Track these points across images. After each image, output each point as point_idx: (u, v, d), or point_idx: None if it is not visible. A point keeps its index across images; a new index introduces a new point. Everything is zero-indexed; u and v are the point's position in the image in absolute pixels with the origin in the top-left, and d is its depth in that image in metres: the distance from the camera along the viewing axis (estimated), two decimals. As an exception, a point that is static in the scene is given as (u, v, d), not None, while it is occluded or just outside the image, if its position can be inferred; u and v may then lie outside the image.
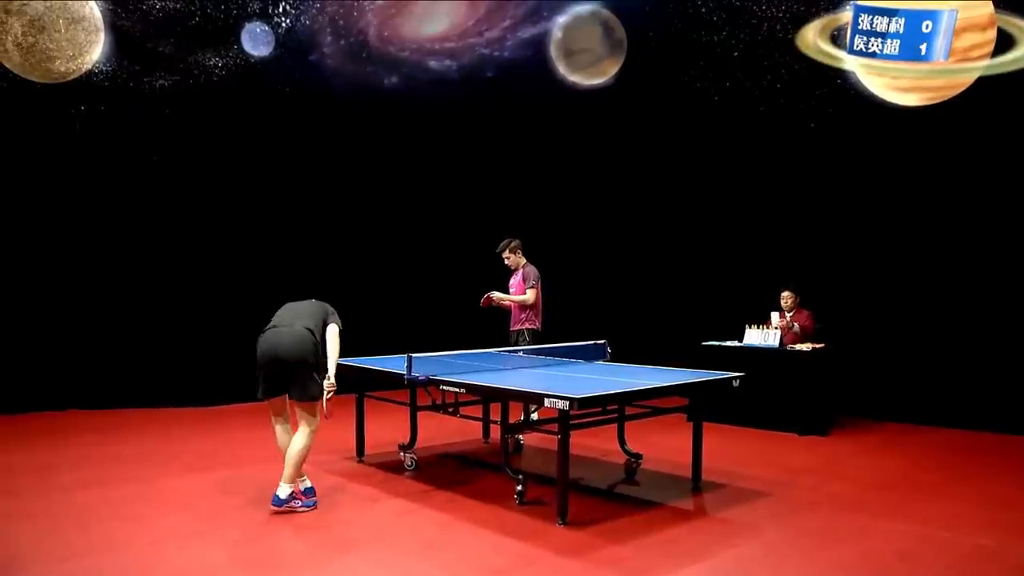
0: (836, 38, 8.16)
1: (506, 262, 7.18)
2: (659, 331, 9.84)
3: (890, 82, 7.87)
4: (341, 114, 10.26)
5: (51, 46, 8.20)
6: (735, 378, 5.43)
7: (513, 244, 7.15)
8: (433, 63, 10.68)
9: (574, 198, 10.97)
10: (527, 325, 7.05)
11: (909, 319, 8.16)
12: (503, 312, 7.26)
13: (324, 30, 10.00)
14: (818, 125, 8.47)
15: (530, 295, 6.99)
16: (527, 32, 10.60)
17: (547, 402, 4.56)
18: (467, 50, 10.68)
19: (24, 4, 8.23)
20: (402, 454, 6.16)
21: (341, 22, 10.09)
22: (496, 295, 7.10)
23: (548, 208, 10.97)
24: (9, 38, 7.81)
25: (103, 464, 6.33)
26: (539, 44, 10.61)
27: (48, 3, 8.41)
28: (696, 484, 5.60)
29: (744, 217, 9.50)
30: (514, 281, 7.19)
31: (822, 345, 7.73)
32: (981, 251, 7.73)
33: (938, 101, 7.66)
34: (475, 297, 7.28)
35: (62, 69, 8.55)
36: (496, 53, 10.69)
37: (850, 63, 8.04)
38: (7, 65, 8.19)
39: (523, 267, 7.15)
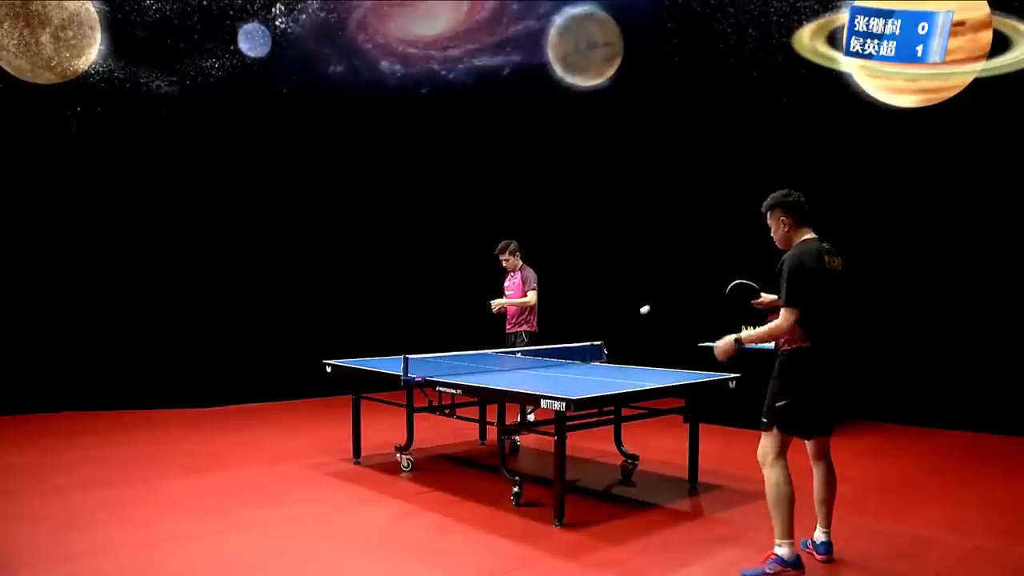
0: (833, 39, 8.16)
1: (504, 264, 7.19)
2: (655, 332, 9.82)
3: (886, 83, 7.87)
4: (339, 115, 10.26)
5: (83, 44, 8.24)
6: (731, 379, 5.43)
7: (512, 246, 7.17)
8: (431, 65, 10.67)
9: (570, 200, 10.96)
10: (524, 327, 7.07)
11: (907, 320, 8.15)
12: (500, 314, 7.27)
13: (322, 31, 9.99)
14: (815, 126, 8.47)
15: (531, 297, 7.01)
16: (529, 33, 10.60)
17: (544, 403, 4.55)
18: (466, 52, 10.67)
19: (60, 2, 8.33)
20: (398, 456, 6.15)
21: (339, 23, 10.08)
22: (496, 303, 7.12)
23: (544, 209, 10.96)
24: (46, 33, 7.82)
25: (100, 465, 6.32)
26: (541, 45, 10.61)
27: (78, 3, 8.47)
28: (693, 485, 5.59)
29: (740, 218, 9.47)
30: (511, 283, 7.21)
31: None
32: (980, 252, 7.73)
33: (934, 103, 7.67)
34: (472, 298, 7.30)
35: (83, 68, 8.60)
36: (496, 55, 10.69)
37: (846, 64, 8.04)
38: (17, 65, 8.19)
39: (521, 269, 7.16)
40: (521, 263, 7.19)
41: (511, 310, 7.13)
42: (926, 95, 7.70)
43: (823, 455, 3.98)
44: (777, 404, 3.74)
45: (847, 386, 3.86)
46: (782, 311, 3.69)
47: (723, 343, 3.87)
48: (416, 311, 10.50)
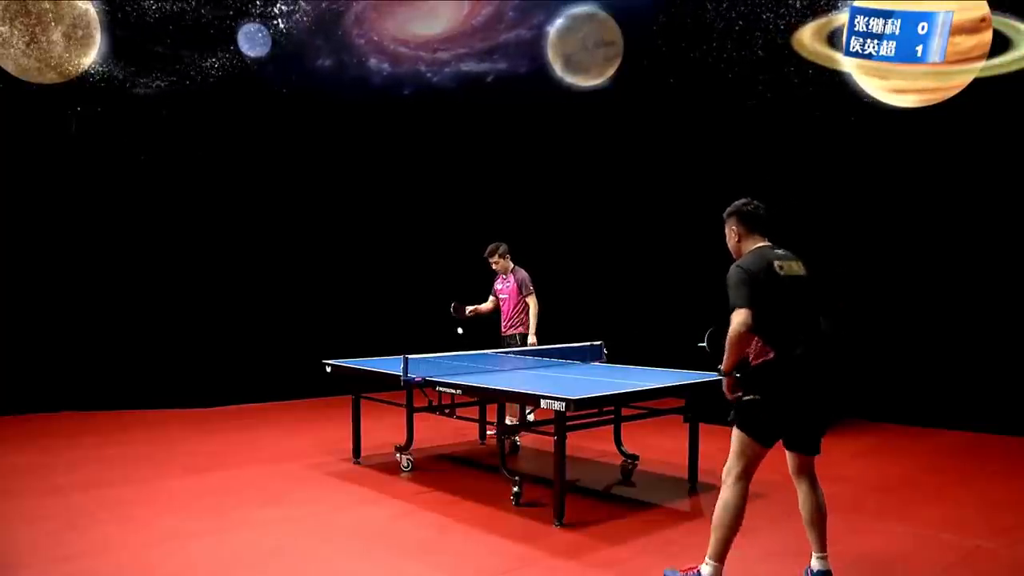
0: (833, 39, 8.16)
1: (495, 267, 7.11)
2: (655, 332, 9.83)
3: (886, 83, 7.87)
4: (338, 115, 10.26)
5: (84, 43, 8.28)
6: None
7: (502, 248, 7.06)
8: (430, 65, 10.67)
9: (569, 200, 10.96)
10: (519, 329, 7.03)
11: (907, 320, 8.15)
12: (496, 316, 7.25)
13: (321, 31, 9.99)
14: (814, 126, 8.46)
15: (535, 303, 6.96)
16: (528, 34, 10.60)
17: (544, 403, 4.55)
18: (464, 53, 10.67)
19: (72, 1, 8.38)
20: (398, 456, 6.15)
21: (338, 23, 10.08)
22: (532, 338, 6.94)
23: (543, 210, 10.97)
24: (49, 32, 7.83)
25: (100, 465, 6.32)
26: (538, 46, 10.61)
27: (79, 3, 8.50)
28: (693, 485, 5.59)
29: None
30: (504, 286, 7.14)
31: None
32: (979, 252, 7.73)
33: (934, 103, 7.67)
34: (471, 299, 7.28)
35: (83, 68, 8.63)
36: (494, 56, 10.69)
37: (846, 64, 8.04)
38: (23, 64, 8.19)
39: (512, 271, 7.08)
40: (512, 264, 7.11)
41: (506, 311, 7.09)
42: (926, 95, 7.69)
43: (804, 473, 3.67)
44: (745, 397, 3.51)
45: (826, 396, 3.56)
46: (732, 316, 3.43)
47: (724, 386, 3.63)
48: (416, 311, 10.49)
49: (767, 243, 3.67)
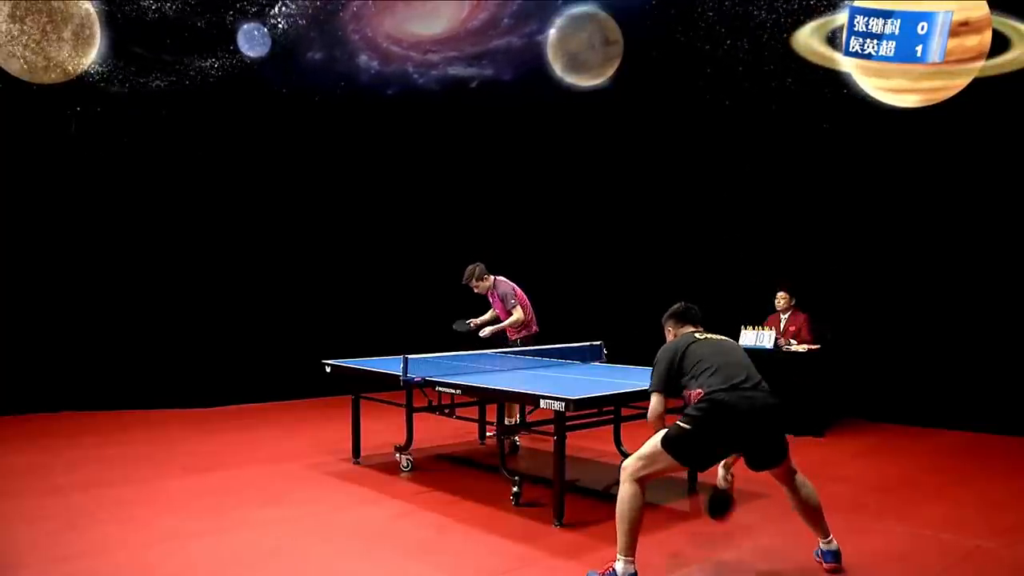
0: (832, 40, 8.16)
1: (476, 291, 7.03)
2: (655, 332, 9.82)
3: (885, 83, 7.87)
4: (337, 115, 10.26)
5: (84, 43, 8.30)
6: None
7: (478, 271, 6.92)
8: (428, 65, 10.67)
9: (569, 200, 10.96)
10: (522, 333, 7.01)
11: (906, 320, 8.15)
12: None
13: (320, 31, 9.98)
14: (814, 126, 8.47)
15: (518, 313, 6.89)
16: (528, 34, 10.61)
17: (543, 403, 4.55)
18: (463, 54, 10.67)
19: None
20: (398, 456, 6.16)
21: (337, 24, 10.08)
22: (487, 331, 6.99)
23: (543, 210, 10.97)
24: (49, 32, 7.83)
25: (100, 465, 6.32)
26: (539, 45, 10.62)
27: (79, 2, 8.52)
28: (692, 486, 5.59)
29: (740, 218, 9.50)
30: (492, 301, 7.12)
31: (817, 346, 7.73)
32: (979, 252, 7.73)
33: (934, 103, 7.66)
34: (471, 298, 7.27)
35: (84, 68, 8.64)
36: (493, 55, 10.69)
37: (846, 65, 8.04)
38: (31, 61, 8.19)
39: (494, 287, 7.00)
40: (492, 280, 7.01)
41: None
42: (926, 95, 7.69)
43: (782, 478, 3.98)
44: (678, 421, 3.74)
45: (758, 428, 3.76)
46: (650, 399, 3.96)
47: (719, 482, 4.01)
48: (416, 311, 10.49)
49: (694, 330, 4.16)
